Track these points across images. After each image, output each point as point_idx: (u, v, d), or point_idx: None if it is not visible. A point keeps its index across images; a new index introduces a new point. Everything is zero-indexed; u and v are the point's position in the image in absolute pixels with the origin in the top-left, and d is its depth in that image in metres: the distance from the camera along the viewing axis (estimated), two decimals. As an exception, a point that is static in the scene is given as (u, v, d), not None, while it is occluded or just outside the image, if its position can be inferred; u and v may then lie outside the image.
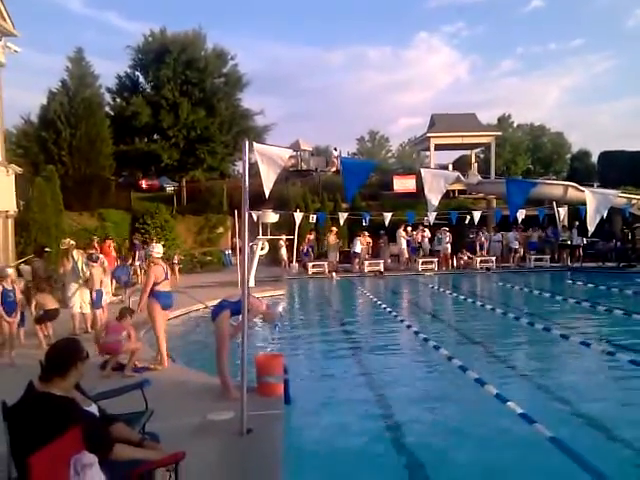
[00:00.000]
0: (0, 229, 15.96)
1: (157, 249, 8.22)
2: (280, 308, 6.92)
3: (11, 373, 7.34)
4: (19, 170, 17.56)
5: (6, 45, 16.30)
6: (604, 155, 35.88)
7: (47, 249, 11.96)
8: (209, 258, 25.69)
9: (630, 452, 5.16)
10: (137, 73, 32.49)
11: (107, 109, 30.82)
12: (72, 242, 10.91)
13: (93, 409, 3.32)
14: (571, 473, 4.58)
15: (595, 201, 6.69)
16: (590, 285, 17.61)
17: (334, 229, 24.07)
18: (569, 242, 23.95)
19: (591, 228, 6.85)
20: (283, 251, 23.75)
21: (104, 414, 3.44)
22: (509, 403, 6.04)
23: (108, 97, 31.84)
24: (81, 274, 10.36)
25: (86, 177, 25.80)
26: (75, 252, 10.50)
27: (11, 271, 8.60)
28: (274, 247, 22.16)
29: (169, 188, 35.51)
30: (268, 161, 5.18)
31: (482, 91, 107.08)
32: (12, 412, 2.94)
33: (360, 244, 23.31)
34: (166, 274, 8.08)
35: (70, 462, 2.74)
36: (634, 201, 22.52)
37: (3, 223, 16.08)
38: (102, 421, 3.31)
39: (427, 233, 24.35)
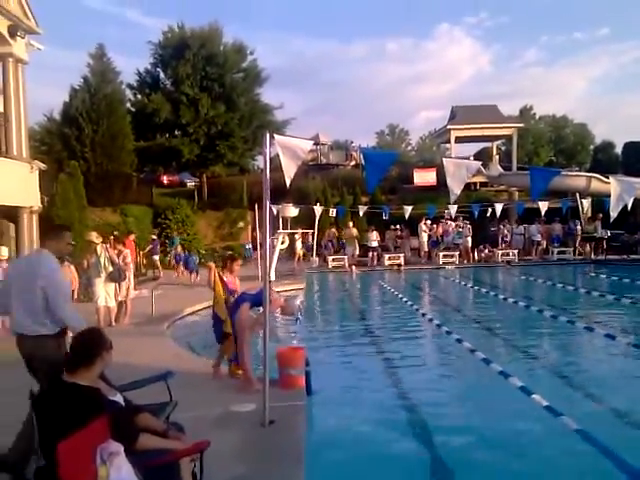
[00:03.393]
0: (25, 224, 16.19)
1: (2, 252, 8.73)
2: (298, 301, 6.92)
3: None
4: (43, 166, 17.77)
5: (29, 43, 16.48)
6: (628, 146, 35.21)
7: (72, 243, 12.05)
8: (230, 252, 25.82)
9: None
10: (158, 69, 32.70)
11: (128, 105, 31.06)
12: (99, 237, 11.00)
13: (118, 399, 3.36)
14: (596, 465, 4.52)
15: (619, 188, 6.56)
16: (614, 278, 17.35)
17: (351, 223, 24.04)
18: (594, 235, 23.57)
19: (614, 214, 6.71)
20: (298, 245, 23.55)
21: (129, 404, 3.48)
22: (534, 396, 5.98)
23: (129, 93, 32.12)
24: (102, 269, 10.44)
25: (108, 173, 26.07)
26: (98, 247, 10.58)
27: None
28: (293, 241, 22.20)
29: (190, 183, 35.75)
30: (289, 152, 5.17)
31: (504, 82, 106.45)
32: (39, 401, 2.99)
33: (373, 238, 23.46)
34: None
35: (96, 451, 2.77)
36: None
37: (28, 218, 16.31)
38: (127, 411, 3.35)
39: (452, 225, 24.15)
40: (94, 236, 10.91)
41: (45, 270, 4.48)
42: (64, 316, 4.39)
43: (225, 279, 7.03)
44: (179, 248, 21.35)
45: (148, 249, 21.17)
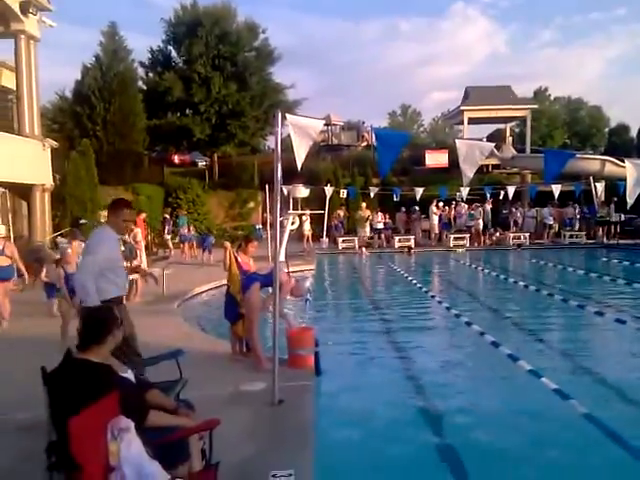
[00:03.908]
0: (37, 202, 16.29)
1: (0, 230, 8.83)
2: (307, 283, 6.93)
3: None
4: (55, 145, 17.82)
5: (41, 20, 16.43)
6: (644, 129, 34.78)
7: (82, 221, 12.09)
8: (245, 233, 25.86)
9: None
10: (169, 47, 32.48)
11: (140, 83, 30.95)
12: None
13: (129, 375, 3.39)
14: (604, 448, 4.53)
15: (635, 173, 6.43)
16: (626, 262, 17.22)
17: (363, 205, 23.92)
18: (608, 218, 23.34)
19: (630, 200, 6.59)
20: (306, 226, 22.75)
21: (140, 381, 3.51)
22: (543, 379, 5.98)
23: (141, 72, 31.98)
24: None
25: (120, 152, 26.07)
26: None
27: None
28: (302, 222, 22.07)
29: (201, 163, 35.67)
30: (301, 132, 5.13)
31: (519, 63, 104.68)
32: (51, 377, 3.02)
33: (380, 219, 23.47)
34: (1, 250, 8.82)
35: (107, 427, 2.81)
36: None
37: (40, 197, 16.41)
38: (138, 388, 3.38)
39: (465, 207, 24.00)
40: (104, 216, 10.96)
41: (89, 240, 4.82)
42: (77, 283, 4.51)
43: (239, 259, 7.05)
44: (184, 228, 21.32)
45: (167, 230, 21.28)
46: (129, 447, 2.76)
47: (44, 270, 9.98)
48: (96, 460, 2.73)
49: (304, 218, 21.91)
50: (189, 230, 21.35)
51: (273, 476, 3.74)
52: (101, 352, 3.15)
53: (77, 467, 2.67)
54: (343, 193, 24.30)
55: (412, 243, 22.59)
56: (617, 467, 4.33)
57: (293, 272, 9.11)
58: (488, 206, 23.87)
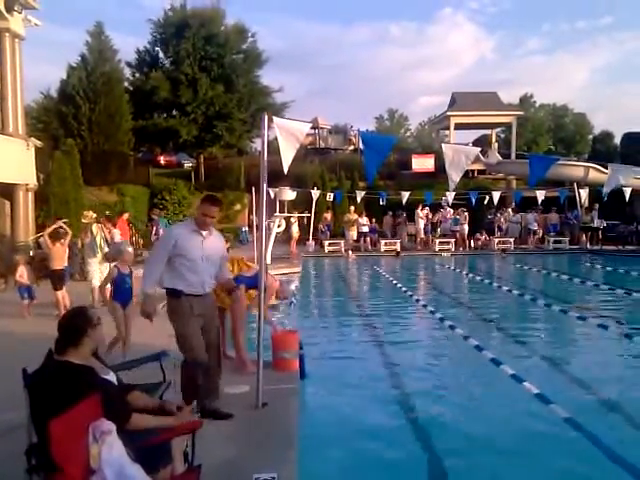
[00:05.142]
0: (21, 202, 16.12)
1: None
2: (293, 286, 6.91)
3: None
4: (39, 144, 17.64)
5: (26, 18, 16.28)
6: (627, 137, 35.13)
7: (64, 220, 11.79)
8: (227, 235, 25.70)
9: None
10: (157, 48, 32.36)
11: (126, 84, 30.78)
12: (94, 215, 10.92)
13: (111, 377, 3.36)
14: (585, 453, 4.56)
15: (614, 172, 6.64)
16: (609, 268, 17.41)
17: (352, 208, 23.95)
18: (591, 225, 23.62)
19: (606, 189, 6.80)
20: (294, 229, 22.50)
21: (122, 383, 3.48)
22: (525, 383, 6.02)
23: (127, 72, 31.83)
24: (98, 249, 10.37)
25: (105, 152, 25.89)
26: (94, 227, 10.51)
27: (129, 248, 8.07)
28: (289, 225, 22.06)
29: (187, 164, 35.56)
30: (287, 135, 5.13)
31: (505, 70, 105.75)
32: (32, 379, 2.98)
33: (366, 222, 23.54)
34: None
35: (88, 429, 2.77)
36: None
37: (23, 196, 16.23)
38: (120, 390, 3.35)
39: (450, 211, 24.13)
40: (88, 216, 10.82)
41: None
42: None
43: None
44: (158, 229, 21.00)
45: (154, 230, 21.03)
46: (110, 450, 2.73)
47: (19, 271, 9.83)
48: (77, 463, 2.70)
49: (292, 220, 21.90)
50: None
51: (256, 479, 3.72)
52: (80, 353, 3.11)
53: (57, 470, 2.64)
54: (330, 196, 24.33)
55: (398, 247, 22.66)
56: (598, 471, 4.37)
57: (277, 274, 9.13)
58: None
